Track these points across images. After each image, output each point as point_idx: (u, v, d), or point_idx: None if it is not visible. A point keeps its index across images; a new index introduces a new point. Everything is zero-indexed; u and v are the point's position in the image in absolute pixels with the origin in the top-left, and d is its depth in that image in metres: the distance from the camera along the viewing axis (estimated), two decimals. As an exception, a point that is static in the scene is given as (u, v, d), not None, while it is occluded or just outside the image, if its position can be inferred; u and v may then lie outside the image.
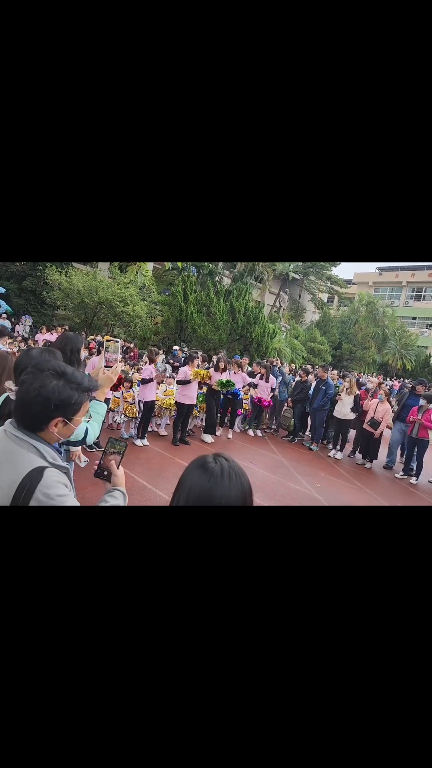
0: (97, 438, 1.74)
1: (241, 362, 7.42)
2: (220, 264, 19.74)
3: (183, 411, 5.85)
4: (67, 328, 12.48)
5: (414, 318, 29.70)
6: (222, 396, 6.42)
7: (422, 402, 6.14)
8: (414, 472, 6.29)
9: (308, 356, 19.26)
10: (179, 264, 17.93)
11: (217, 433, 6.74)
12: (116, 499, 1.19)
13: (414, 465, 6.32)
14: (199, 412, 6.62)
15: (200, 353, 7.35)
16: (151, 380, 5.37)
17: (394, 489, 5.81)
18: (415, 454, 6.29)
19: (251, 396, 7.29)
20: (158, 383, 5.86)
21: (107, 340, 2.06)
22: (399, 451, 6.88)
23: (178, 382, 5.78)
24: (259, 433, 7.48)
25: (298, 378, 7.67)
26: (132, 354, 11.99)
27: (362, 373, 17.97)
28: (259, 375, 7.31)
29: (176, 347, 12.62)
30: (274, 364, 8.57)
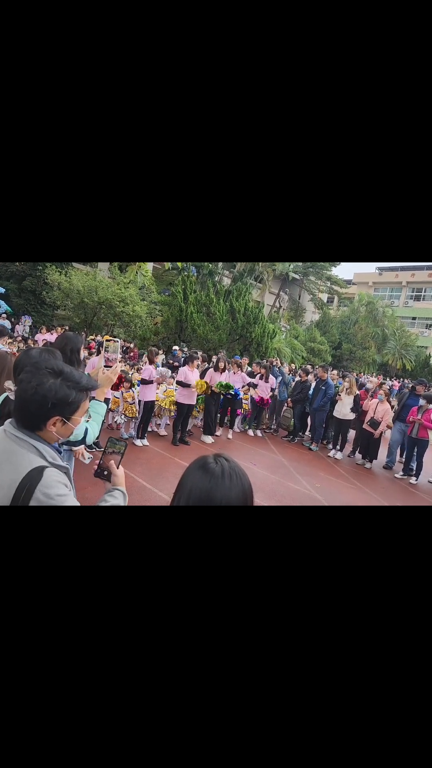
0: (97, 438, 1.74)
1: (240, 362, 7.42)
2: (220, 264, 19.74)
3: (183, 411, 5.85)
4: (66, 328, 12.48)
5: (414, 318, 29.70)
6: (222, 396, 6.42)
7: (422, 402, 6.14)
8: (414, 472, 6.29)
9: (308, 356, 19.26)
10: (179, 264, 17.93)
11: (217, 433, 6.75)
12: (116, 498, 1.19)
13: (414, 465, 6.32)
14: (198, 412, 6.62)
15: (200, 353, 7.35)
16: (151, 382, 5.37)
17: (394, 489, 5.81)
18: (414, 454, 6.29)
19: (251, 396, 7.29)
20: (158, 384, 5.86)
21: (107, 340, 2.06)
22: (399, 451, 6.89)
23: (178, 383, 5.78)
24: (258, 433, 7.48)
25: (297, 378, 7.67)
26: (132, 354, 11.99)
27: (362, 373, 17.97)
28: (258, 375, 7.31)
29: (176, 347, 12.62)
30: (274, 364, 8.56)
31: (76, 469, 2.63)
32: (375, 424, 6.40)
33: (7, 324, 10.81)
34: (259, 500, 4.27)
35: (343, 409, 6.72)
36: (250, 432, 7.44)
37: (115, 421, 6.00)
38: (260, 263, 22.20)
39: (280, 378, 7.77)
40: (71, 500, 1.04)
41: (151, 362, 5.57)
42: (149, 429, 6.00)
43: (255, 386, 7.17)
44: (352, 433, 7.39)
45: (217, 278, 18.67)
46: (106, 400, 1.85)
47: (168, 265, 19.32)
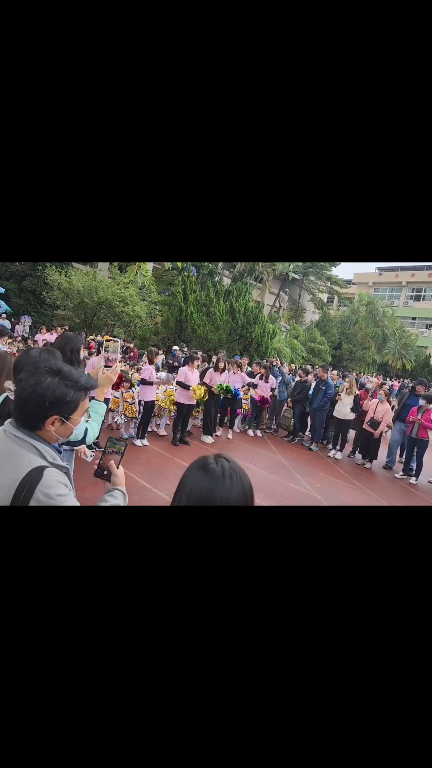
0: (97, 438, 1.74)
1: (240, 362, 7.41)
2: (220, 264, 19.74)
3: (183, 411, 5.85)
4: (66, 328, 12.48)
5: (414, 318, 29.70)
6: (222, 397, 6.42)
7: (422, 402, 6.14)
8: (414, 472, 6.29)
9: (308, 356, 19.26)
10: (179, 264, 17.93)
11: (217, 434, 6.75)
12: (116, 498, 1.19)
13: (414, 465, 6.32)
14: (198, 412, 6.62)
15: (200, 353, 7.35)
16: (151, 383, 5.38)
17: (394, 489, 5.81)
18: (414, 454, 6.29)
19: (251, 396, 7.29)
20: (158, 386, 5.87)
21: (107, 340, 2.06)
22: (399, 451, 6.89)
23: (178, 383, 5.78)
24: (258, 433, 7.48)
25: (297, 378, 7.67)
26: (132, 354, 12.00)
27: (362, 373, 17.97)
28: (258, 375, 7.31)
29: (176, 347, 12.62)
30: (274, 364, 8.56)
31: (76, 468, 2.63)
32: (375, 424, 6.40)
33: (7, 324, 10.81)
34: (259, 500, 4.27)
35: (343, 409, 6.72)
36: (250, 432, 7.44)
37: (115, 421, 6.00)
38: (260, 263, 22.20)
39: (280, 378, 7.77)
40: (71, 500, 1.04)
41: (151, 362, 5.57)
42: (149, 429, 6.00)
43: (255, 386, 7.17)
44: (352, 433, 7.39)
45: (217, 278, 18.67)
46: (106, 400, 1.85)
47: (168, 265, 19.32)
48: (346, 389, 6.75)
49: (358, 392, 6.83)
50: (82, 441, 1.64)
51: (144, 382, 5.36)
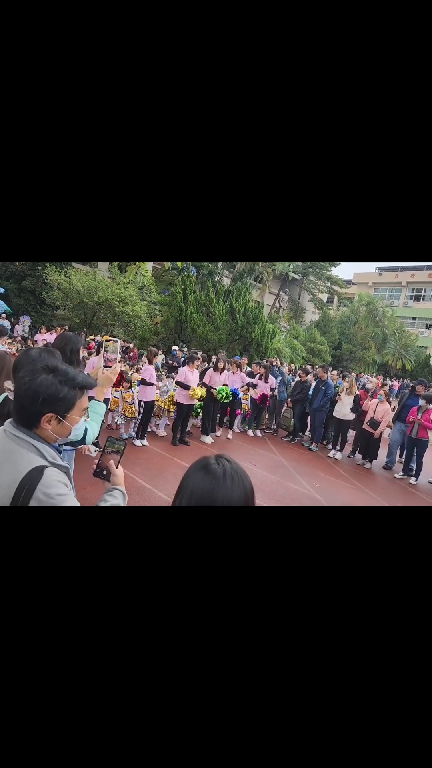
0: (97, 438, 1.73)
1: (240, 362, 7.41)
2: (220, 264, 19.73)
3: (183, 411, 5.85)
4: (66, 328, 12.47)
5: (414, 318, 29.71)
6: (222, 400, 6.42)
7: (422, 402, 6.14)
8: (413, 473, 6.29)
9: (308, 356, 19.26)
10: (179, 264, 17.93)
11: (217, 434, 6.74)
12: (116, 498, 1.19)
13: (413, 465, 6.32)
14: (195, 417, 6.62)
15: (200, 353, 7.35)
16: (151, 384, 5.37)
17: (394, 489, 5.81)
18: (414, 454, 6.29)
19: (251, 396, 7.29)
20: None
21: (106, 340, 2.05)
22: (399, 451, 6.89)
23: (178, 383, 5.78)
24: (258, 433, 7.48)
25: (297, 378, 7.67)
26: (131, 354, 11.99)
27: (362, 374, 17.98)
28: (258, 375, 7.31)
29: (175, 347, 12.62)
30: (274, 364, 8.56)
31: (76, 468, 2.63)
32: (375, 424, 6.40)
33: (7, 324, 10.81)
34: (258, 500, 4.26)
35: (343, 410, 6.72)
36: (250, 432, 7.44)
37: (115, 422, 6.00)
38: (260, 263, 22.20)
39: (279, 378, 7.78)
40: (71, 500, 1.04)
41: (151, 362, 5.57)
42: (148, 429, 6.00)
43: (254, 386, 7.17)
44: (352, 434, 7.39)
45: (216, 278, 18.66)
46: (106, 400, 1.85)
47: (168, 265, 19.31)
48: (346, 389, 6.75)
49: (358, 392, 6.83)
50: (82, 441, 1.64)
51: (144, 382, 5.35)
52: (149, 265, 17.52)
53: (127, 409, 5.68)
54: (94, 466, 1.26)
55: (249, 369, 7.83)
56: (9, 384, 1.68)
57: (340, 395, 6.78)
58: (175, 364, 8.93)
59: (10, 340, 8.49)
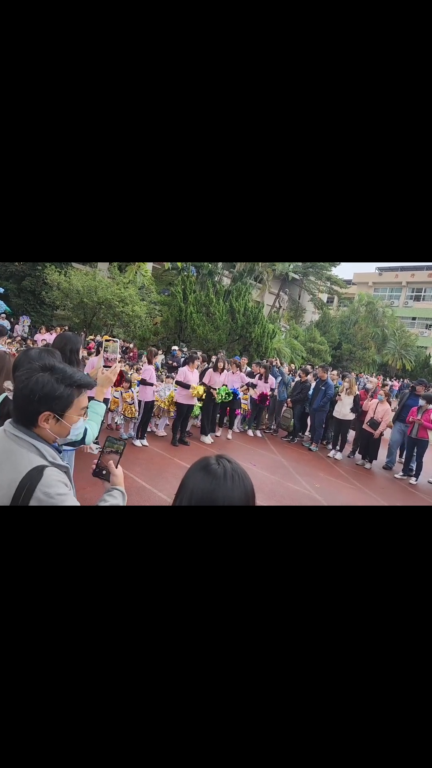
0: (96, 438, 1.73)
1: (239, 362, 7.41)
2: (220, 264, 19.74)
3: (183, 411, 5.85)
4: (66, 328, 12.47)
5: (414, 318, 29.72)
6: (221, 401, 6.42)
7: (422, 402, 6.14)
8: (413, 473, 6.29)
9: (308, 356, 19.25)
10: (179, 264, 17.93)
11: (217, 434, 6.74)
12: (115, 498, 1.19)
13: (413, 465, 6.32)
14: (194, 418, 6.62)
15: (200, 353, 7.35)
16: (151, 384, 5.37)
17: (394, 489, 5.81)
18: (414, 454, 6.29)
19: (250, 396, 7.29)
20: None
21: (106, 340, 2.05)
22: (398, 451, 6.89)
23: (177, 383, 5.78)
24: (258, 433, 7.48)
25: (297, 378, 7.67)
26: (131, 354, 11.99)
27: (362, 374, 17.98)
28: (258, 375, 7.31)
29: (175, 347, 12.62)
30: (274, 364, 8.56)
31: (76, 468, 2.63)
32: (375, 424, 6.40)
33: (7, 324, 10.82)
34: (258, 500, 4.26)
35: (343, 410, 6.72)
36: (250, 432, 7.44)
37: (115, 422, 5.99)
38: (260, 263, 22.20)
39: (279, 378, 7.77)
40: (71, 499, 1.04)
41: (150, 362, 5.57)
42: (148, 429, 6.00)
43: (254, 386, 7.17)
44: (352, 434, 7.38)
45: (216, 278, 18.66)
46: (105, 401, 1.85)
47: (168, 265, 19.31)
48: (346, 389, 6.75)
49: (358, 392, 6.83)
50: (82, 441, 1.64)
51: (143, 382, 5.35)
52: (149, 265, 17.51)
53: (126, 410, 5.68)
54: (93, 466, 1.26)
55: (249, 369, 7.83)
56: (9, 384, 1.68)
57: (340, 395, 6.78)
58: (175, 364, 8.93)
59: (9, 341, 8.49)
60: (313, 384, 7.20)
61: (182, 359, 7.89)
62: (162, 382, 6.33)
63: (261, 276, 24.17)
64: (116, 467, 1.25)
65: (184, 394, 5.74)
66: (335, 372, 8.01)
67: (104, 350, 2.01)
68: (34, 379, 1.08)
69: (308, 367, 8.45)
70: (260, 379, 7.24)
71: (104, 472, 1.24)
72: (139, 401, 5.45)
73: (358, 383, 8.15)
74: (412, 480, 6.23)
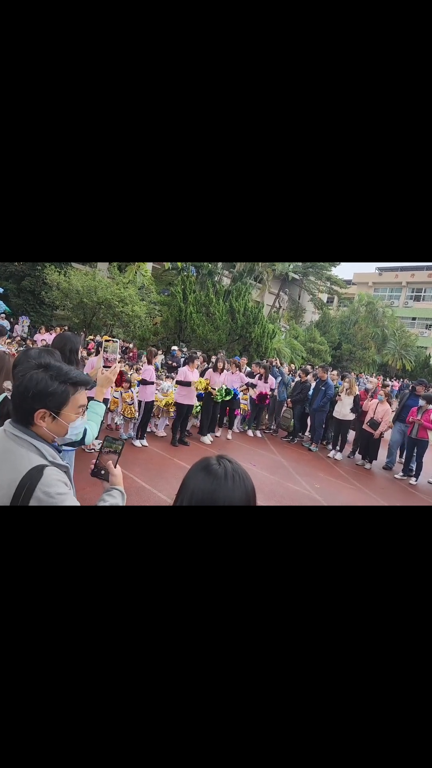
0: (96, 438, 1.73)
1: (239, 363, 7.41)
2: (220, 264, 19.74)
3: (182, 412, 5.85)
4: (66, 328, 12.47)
5: (414, 318, 29.73)
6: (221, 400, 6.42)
7: (422, 402, 6.14)
8: (413, 473, 6.29)
9: (308, 356, 19.25)
10: (178, 264, 17.93)
11: (217, 434, 6.74)
12: (115, 498, 1.18)
13: (413, 465, 6.32)
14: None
15: (200, 354, 7.35)
16: (151, 383, 5.37)
17: (394, 489, 5.81)
18: (414, 454, 6.29)
19: (250, 396, 7.29)
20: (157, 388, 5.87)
21: (106, 341, 2.05)
22: (398, 451, 6.89)
23: (178, 383, 5.78)
24: (258, 433, 7.48)
25: (297, 378, 7.67)
26: (131, 354, 11.99)
27: (362, 374, 17.98)
28: (258, 375, 7.31)
29: (175, 347, 12.61)
30: (274, 364, 8.56)
31: (76, 468, 2.63)
32: (375, 424, 6.40)
33: (6, 324, 10.81)
34: (258, 501, 4.27)
35: (343, 410, 6.72)
36: (250, 432, 7.44)
37: (115, 422, 5.99)
38: (260, 263, 22.20)
39: (279, 378, 7.77)
40: (71, 499, 1.04)
41: (150, 362, 5.57)
42: (148, 429, 6.00)
43: (254, 386, 7.17)
44: (351, 434, 7.38)
45: (216, 278, 18.66)
46: (105, 401, 1.85)
47: (167, 265, 19.31)
48: (346, 389, 6.75)
49: (358, 392, 6.83)
50: (82, 441, 1.64)
51: (143, 382, 5.35)
52: (149, 265, 17.50)
53: (126, 410, 5.68)
54: (92, 466, 1.26)
55: (249, 369, 7.82)
56: (8, 384, 1.68)
57: (340, 395, 6.78)
58: (175, 364, 8.93)
59: (9, 341, 8.49)
60: (313, 384, 7.20)
61: (182, 359, 7.89)
62: (162, 381, 6.34)
63: (261, 276, 24.17)
64: (115, 467, 1.25)
65: (184, 394, 5.73)
66: (335, 372, 8.01)
67: (104, 350, 2.01)
68: (28, 376, 1.09)
69: (308, 367, 8.45)
70: (260, 379, 7.24)
71: (103, 472, 1.24)
72: (139, 401, 5.45)
73: (358, 383, 8.15)
74: (412, 480, 6.23)
